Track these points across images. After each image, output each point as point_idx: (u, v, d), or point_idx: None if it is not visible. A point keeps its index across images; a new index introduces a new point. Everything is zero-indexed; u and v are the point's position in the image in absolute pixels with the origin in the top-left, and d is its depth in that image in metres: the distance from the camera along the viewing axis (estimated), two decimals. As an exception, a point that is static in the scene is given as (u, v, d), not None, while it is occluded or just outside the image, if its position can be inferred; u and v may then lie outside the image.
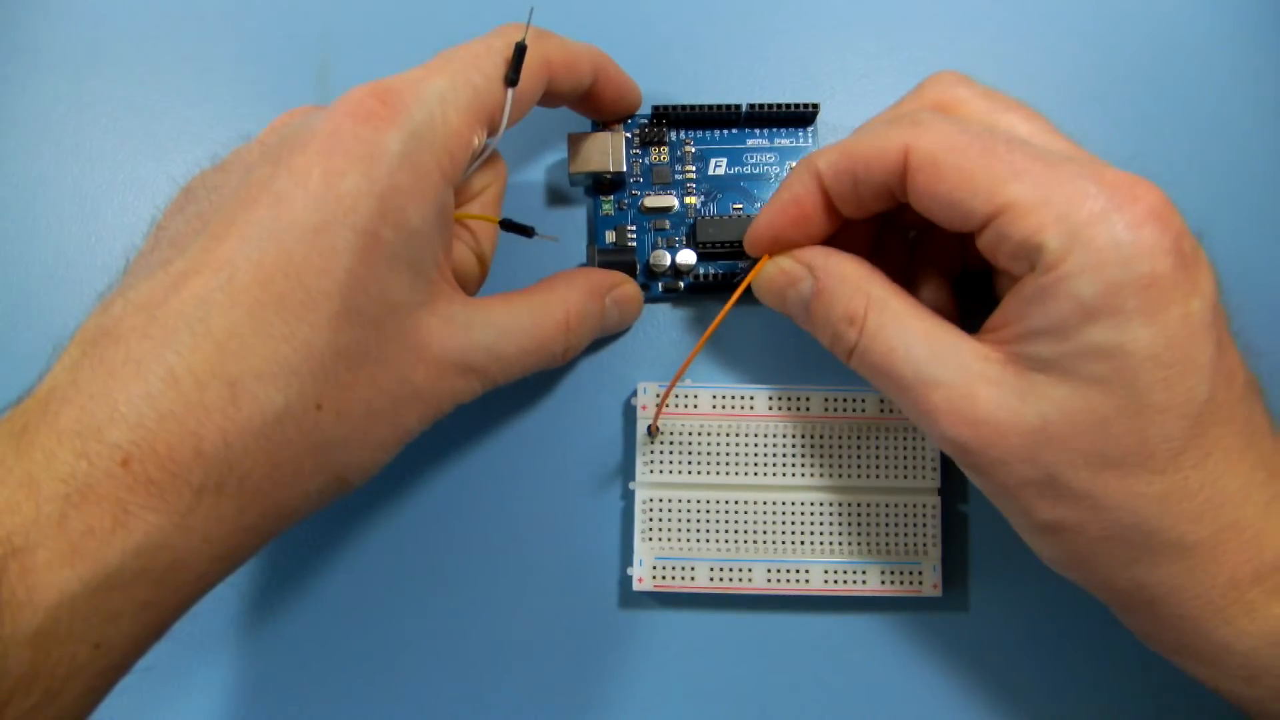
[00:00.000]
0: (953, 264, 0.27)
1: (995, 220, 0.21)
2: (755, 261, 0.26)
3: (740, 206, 0.30)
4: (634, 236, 0.30)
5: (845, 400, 0.28)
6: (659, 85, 0.31)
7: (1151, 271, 0.20)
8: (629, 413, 0.29)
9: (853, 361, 0.24)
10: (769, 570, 0.28)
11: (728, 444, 0.28)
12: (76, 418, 0.18)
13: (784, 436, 0.28)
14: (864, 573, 0.27)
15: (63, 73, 0.31)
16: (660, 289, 0.30)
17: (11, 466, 0.18)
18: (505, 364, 0.24)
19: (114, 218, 0.31)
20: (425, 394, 0.22)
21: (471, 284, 0.26)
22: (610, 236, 0.30)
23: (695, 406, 0.28)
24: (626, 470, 0.29)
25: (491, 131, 0.24)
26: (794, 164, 0.30)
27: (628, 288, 0.28)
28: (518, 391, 0.29)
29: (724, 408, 0.28)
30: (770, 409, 0.28)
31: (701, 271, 0.29)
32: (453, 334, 0.23)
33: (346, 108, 0.21)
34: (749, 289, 0.27)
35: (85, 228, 0.31)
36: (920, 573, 0.27)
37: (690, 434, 0.28)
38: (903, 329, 0.23)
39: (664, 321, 0.30)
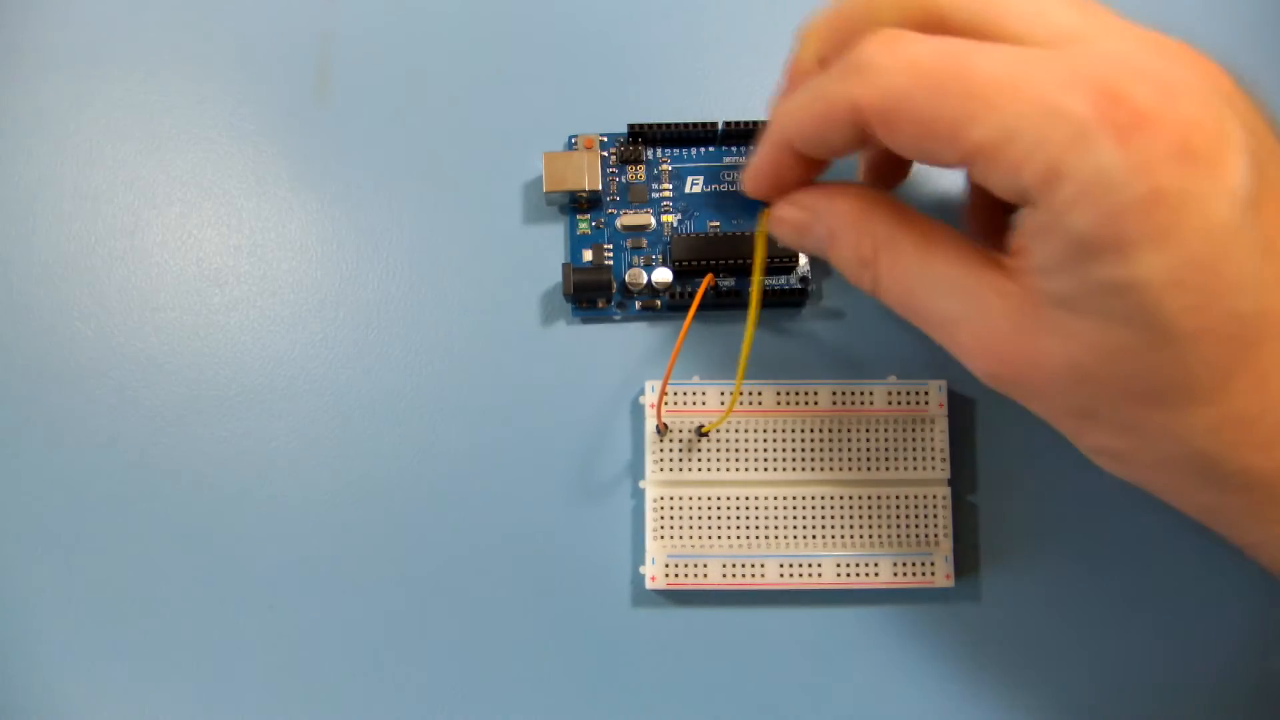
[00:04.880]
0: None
1: (969, 166, 0.19)
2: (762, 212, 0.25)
3: (717, 224, 0.30)
4: (610, 255, 0.30)
5: (853, 393, 0.28)
6: (635, 103, 0.31)
7: (1153, 188, 0.17)
8: (637, 411, 0.29)
9: (881, 299, 0.23)
10: (781, 565, 0.28)
11: (737, 440, 0.28)
12: None
13: (793, 431, 0.28)
14: (876, 565, 0.27)
15: (63, 73, 0.31)
16: (638, 307, 0.30)
17: None
18: None
19: (114, 218, 0.30)
20: None
21: None
22: (587, 255, 0.30)
23: (703, 404, 0.28)
24: (636, 469, 0.29)
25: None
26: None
27: None
28: (526, 391, 0.29)
29: (731, 404, 0.28)
30: (778, 404, 0.28)
31: (679, 289, 0.29)
32: None
33: None
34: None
35: (85, 228, 0.30)
36: (932, 564, 0.27)
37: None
38: (917, 267, 0.21)
39: (672, 319, 0.30)
